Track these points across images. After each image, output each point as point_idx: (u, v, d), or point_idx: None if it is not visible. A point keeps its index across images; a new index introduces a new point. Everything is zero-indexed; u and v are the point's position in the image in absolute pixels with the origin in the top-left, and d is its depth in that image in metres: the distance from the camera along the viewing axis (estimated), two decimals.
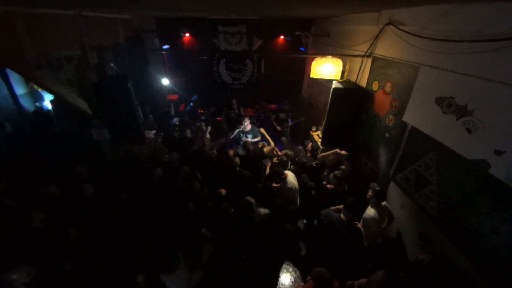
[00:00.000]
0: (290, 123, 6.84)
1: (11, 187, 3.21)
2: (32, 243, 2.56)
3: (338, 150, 3.94)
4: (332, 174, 3.88)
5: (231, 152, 4.38)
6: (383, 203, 3.24)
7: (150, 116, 5.79)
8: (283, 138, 5.73)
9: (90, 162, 3.93)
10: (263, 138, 5.35)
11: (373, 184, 3.35)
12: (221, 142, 5.44)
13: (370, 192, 3.20)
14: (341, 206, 3.35)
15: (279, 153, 4.71)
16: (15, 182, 3.33)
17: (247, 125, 5.35)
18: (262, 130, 5.18)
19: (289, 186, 3.70)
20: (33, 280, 2.15)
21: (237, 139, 5.53)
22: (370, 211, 3.19)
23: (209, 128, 6.27)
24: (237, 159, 4.12)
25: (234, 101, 6.77)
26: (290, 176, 3.80)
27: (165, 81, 7.08)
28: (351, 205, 3.11)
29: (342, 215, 3.16)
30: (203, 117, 6.74)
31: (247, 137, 5.42)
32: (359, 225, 3.26)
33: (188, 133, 5.39)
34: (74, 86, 3.95)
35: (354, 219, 3.29)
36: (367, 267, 2.97)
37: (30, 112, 6.57)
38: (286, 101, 7.19)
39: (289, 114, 6.91)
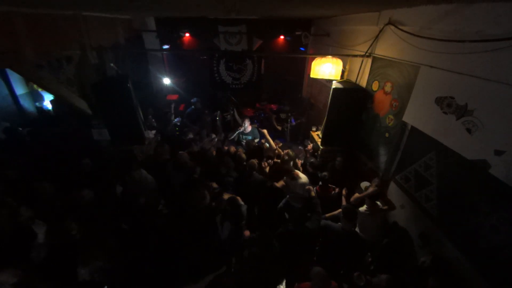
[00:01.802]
0: (292, 122, 6.84)
1: (10, 186, 3.21)
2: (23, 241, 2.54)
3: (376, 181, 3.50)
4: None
5: (232, 148, 4.39)
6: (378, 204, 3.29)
7: (150, 116, 5.77)
8: (277, 141, 5.69)
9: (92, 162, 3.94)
10: (264, 139, 5.36)
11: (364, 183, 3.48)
12: (213, 140, 5.35)
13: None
14: (336, 212, 3.28)
15: (281, 152, 4.70)
16: (14, 182, 3.33)
17: (247, 126, 5.33)
18: (265, 131, 5.13)
19: (302, 181, 3.65)
20: (20, 281, 2.13)
21: (237, 141, 5.52)
22: (363, 207, 3.28)
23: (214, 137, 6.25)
24: (243, 154, 4.14)
25: (229, 104, 6.76)
26: (300, 173, 3.79)
27: (167, 81, 7.06)
28: (350, 213, 2.86)
29: (341, 224, 2.95)
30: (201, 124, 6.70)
31: (247, 138, 5.42)
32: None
33: (190, 135, 5.38)
34: (74, 86, 3.95)
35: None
36: (369, 269, 2.95)
37: (32, 112, 6.58)
38: (287, 102, 7.19)
39: (290, 115, 6.92)
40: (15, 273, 2.14)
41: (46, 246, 2.60)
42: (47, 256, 2.56)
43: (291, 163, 4.29)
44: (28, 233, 2.61)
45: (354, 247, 2.83)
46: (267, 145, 5.00)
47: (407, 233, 3.17)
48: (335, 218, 3.26)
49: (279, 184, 3.84)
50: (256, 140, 5.40)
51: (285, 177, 3.77)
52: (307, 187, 3.57)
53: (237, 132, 5.42)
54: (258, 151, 4.50)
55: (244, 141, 5.41)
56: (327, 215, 3.31)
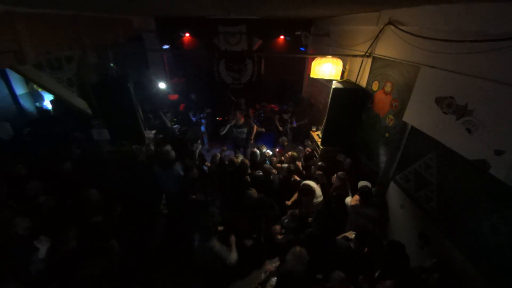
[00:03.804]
0: (294, 124, 6.83)
1: (13, 189, 3.21)
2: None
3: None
4: (335, 175, 3.82)
5: (235, 160, 4.30)
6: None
7: (151, 116, 5.77)
8: (284, 138, 5.65)
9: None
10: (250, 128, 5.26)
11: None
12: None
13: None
14: (347, 234, 3.03)
15: (282, 158, 4.71)
16: (17, 184, 3.33)
17: (239, 118, 5.08)
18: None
19: (317, 200, 3.58)
20: None
21: (233, 137, 5.37)
22: (348, 199, 3.38)
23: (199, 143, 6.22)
24: (247, 162, 4.07)
25: (242, 101, 6.72)
26: (318, 190, 3.67)
27: (162, 85, 6.99)
28: (363, 238, 2.67)
29: (352, 244, 2.78)
30: (201, 115, 6.73)
31: (242, 131, 5.26)
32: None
33: (189, 133, 5.36)
34: (74, 86, 3.95)
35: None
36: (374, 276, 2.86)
37: (32, 112, 6.58)
38: (290, 103, 7.20)
39: (292, 116, 6.92)
40: (16, 286, 2.10)
41: (46, 261, 2.53)
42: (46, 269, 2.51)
43: (293, 166, 4.28)
44: (27, 244, 2.50)
45: (364, 268, 2.64)
46: (269, 152, 4.97)
47: (405, 232, 3.17)
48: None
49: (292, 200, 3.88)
50: (255, 131, 5.27)
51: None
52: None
53: (228, 126, 5.20)
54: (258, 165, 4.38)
55: (238, 135, 5.24)
56: (339, 236, 3.07)
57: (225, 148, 5.00)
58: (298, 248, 2.42)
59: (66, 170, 3.72)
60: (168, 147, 4.26)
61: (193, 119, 6.61)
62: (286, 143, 5.45)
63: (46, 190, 3.31)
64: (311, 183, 3.67)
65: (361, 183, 3.57)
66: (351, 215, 3.37)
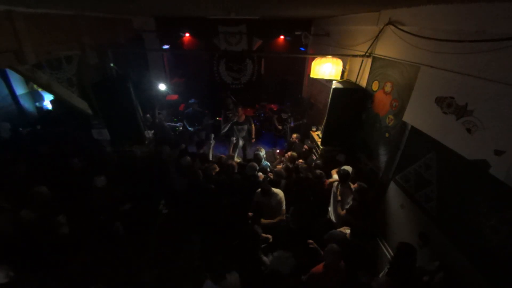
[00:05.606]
0: (291, 124, 6.84)
1: (10, 189, 3.21)
2: (19, 243, 2.58)
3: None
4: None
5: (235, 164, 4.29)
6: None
7: (148, 115, 5.74)
8: (296, 135, 5.58)
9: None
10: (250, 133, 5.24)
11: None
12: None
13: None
14: (342, 229, 3.13)
15: (284, 157, 4.71)
16: (15, 184, 3.33)
17: (240, 115, 5.08)
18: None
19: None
20: (11, 282, 2.14)
21: (232, 136, 5.32)
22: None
23: (213, 138, 6.21)
24: (255, 164, 4.07)
25: (229, 101, 6.70)
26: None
27: (162, 87, 6.95)
28: (359, 233, 2.80)
29: (348, 235, 2.88)
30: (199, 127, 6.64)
31: (243, 128, 5.24)
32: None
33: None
34: (74, 86, 3.95)
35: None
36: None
37: (32, 112, 6.59)
38: (288, 103, 7.19)
39: (290, 115, 6.93)
40: (7, 274, 2.14)
41: None
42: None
43: (292, 165, 4.29)
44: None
45: (363, 260, 2.74)
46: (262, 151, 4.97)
47: (405, 232, 3.17)
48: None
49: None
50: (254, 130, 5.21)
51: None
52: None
53: (229, 123, 5.21)
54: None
55: (239, 133, 5.22)
56: (338, 229, 3.20)
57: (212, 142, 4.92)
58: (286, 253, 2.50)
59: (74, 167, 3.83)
60: (167, 148, 4.28)
61: (190, 129, 6.47)
62: (298, 140, 5.41)
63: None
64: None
65: (343, 167, 3.77)
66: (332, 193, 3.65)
